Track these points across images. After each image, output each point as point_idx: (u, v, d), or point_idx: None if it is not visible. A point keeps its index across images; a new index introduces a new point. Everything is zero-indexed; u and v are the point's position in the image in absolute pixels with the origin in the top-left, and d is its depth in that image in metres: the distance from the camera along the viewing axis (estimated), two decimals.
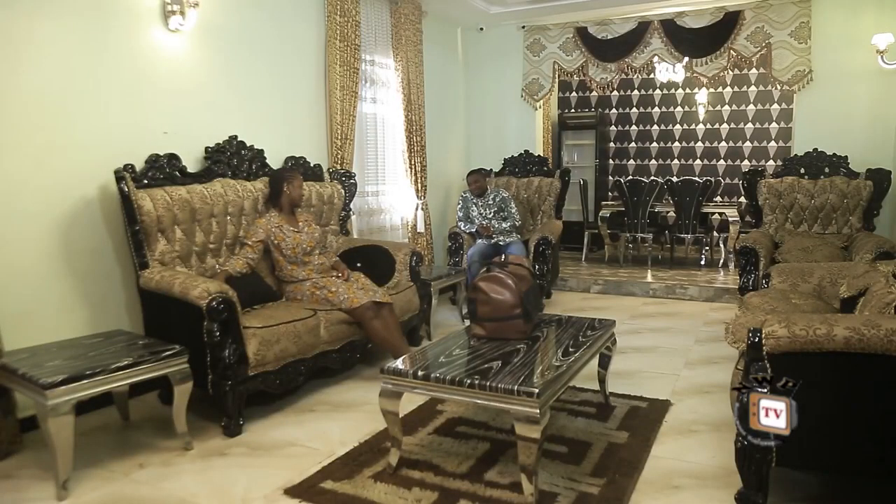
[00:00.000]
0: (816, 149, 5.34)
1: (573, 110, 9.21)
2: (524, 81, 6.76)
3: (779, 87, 5.95)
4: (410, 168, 5.62)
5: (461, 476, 2.40)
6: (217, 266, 3.45)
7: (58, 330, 2.96)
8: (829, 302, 3.18)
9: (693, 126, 8.80)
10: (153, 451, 2.70)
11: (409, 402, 3.01)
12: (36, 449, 2.67)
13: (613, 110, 9.23)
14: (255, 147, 3.89)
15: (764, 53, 5.71)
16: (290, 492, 2.33)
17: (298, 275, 3.61)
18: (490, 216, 5.33)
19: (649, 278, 6.19)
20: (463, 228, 5.43)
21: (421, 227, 5.74)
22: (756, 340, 1.98)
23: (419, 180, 5.69)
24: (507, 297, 2.73)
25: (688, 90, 8.70)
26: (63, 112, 3.05)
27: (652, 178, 7.34)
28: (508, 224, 5.27)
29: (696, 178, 6.69)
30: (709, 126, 8.71)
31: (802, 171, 5.35)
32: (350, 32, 4.67)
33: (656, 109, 9.00)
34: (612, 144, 9.28)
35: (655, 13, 6.03)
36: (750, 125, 8.47)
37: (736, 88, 8.48)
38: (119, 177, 3.02)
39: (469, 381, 2.23)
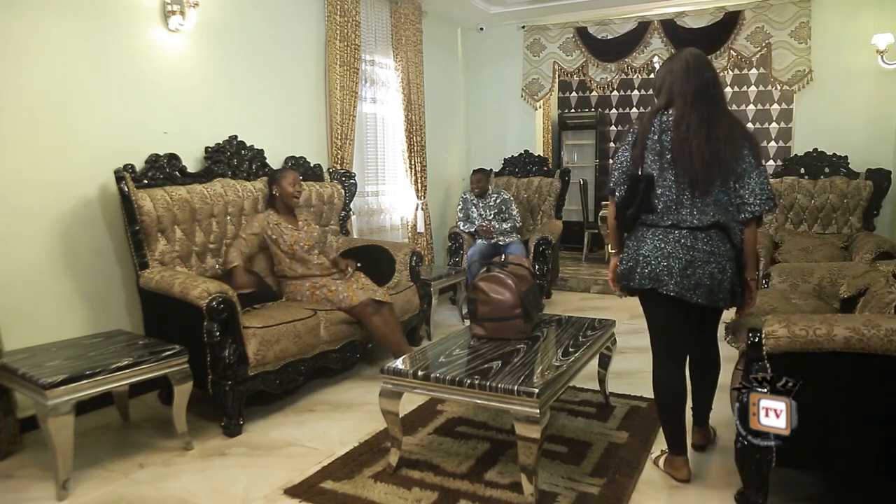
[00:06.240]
0: (816, 149, 5.34)
1: (573, 110, 9.20)
2: (524, 81, 6.76)
3: (779, 87, 5.95)
4: (410, 168, 5.62)
5: (461, 476, 2.41)
6: (217, 266, 3.45)
7: (58, 330, 2.96)
8: (829, 302, 3.18)
9: None
10: (153, 451, 2.70)
11: (409, 402, 3.01)
12: (36, 449, 2.68)
13: (613, 110, 9.21)
14: (255, 147, 3.89)
15: (764, 53, 5.71)
16: (290, 492, 2.33)
17: (298, 270, 3.61)
18: (490, 218, 5.32)
19: None
20: (462, 228, 5.42)
21: (421, 227, 5.74)
22: (756, 340, 1.98)
23: (419, 180, 5.69)
24: (507, 297, 2.73)
25: None
26: (63, 112, 3.04)
27: None
28: (509, 225, 5.27)
29: None
30: None
31: (802, 171, 5.35)
32: (350, 32, 4.67)
33: None
34: (612, 144, 9.27)
35: (655, 13, 6.03)
36: (750, 125, 8.45)
37: (736, 88, 8.46)
38: (119, 177, 3.02)
39: (469, 381, 2.23)
